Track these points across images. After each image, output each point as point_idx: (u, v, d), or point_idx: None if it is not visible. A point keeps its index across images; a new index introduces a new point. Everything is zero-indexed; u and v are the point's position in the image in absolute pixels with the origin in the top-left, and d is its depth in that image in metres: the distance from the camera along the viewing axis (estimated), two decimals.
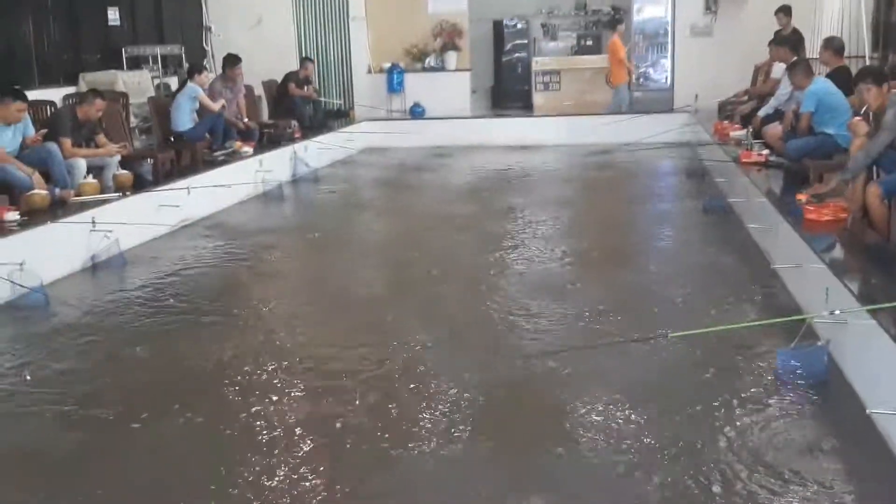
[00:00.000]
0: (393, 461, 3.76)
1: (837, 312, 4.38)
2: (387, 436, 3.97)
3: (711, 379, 4.47)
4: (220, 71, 12.03)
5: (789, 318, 4.90)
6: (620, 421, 4.05)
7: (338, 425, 4.10)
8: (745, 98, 11.89)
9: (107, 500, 3.53)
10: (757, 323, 5.18)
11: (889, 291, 4.45)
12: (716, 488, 3.42)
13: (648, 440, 3.85)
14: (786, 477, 3.49)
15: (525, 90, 16.88)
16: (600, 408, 4.18)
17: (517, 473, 3.64)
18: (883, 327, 3.92)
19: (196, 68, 10.89)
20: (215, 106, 10.66)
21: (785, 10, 11.33)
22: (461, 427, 4.04)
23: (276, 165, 11.06)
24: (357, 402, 4.35)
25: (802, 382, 4.34)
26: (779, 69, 10.48)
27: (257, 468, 3.70)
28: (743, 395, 4.26)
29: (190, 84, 10.50)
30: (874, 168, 6.25)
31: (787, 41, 10.33)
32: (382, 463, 3.74)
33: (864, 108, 7.00)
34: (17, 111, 7.49)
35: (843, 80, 8.32)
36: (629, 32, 16.02)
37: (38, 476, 3.75)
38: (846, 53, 9.09)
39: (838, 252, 5.60)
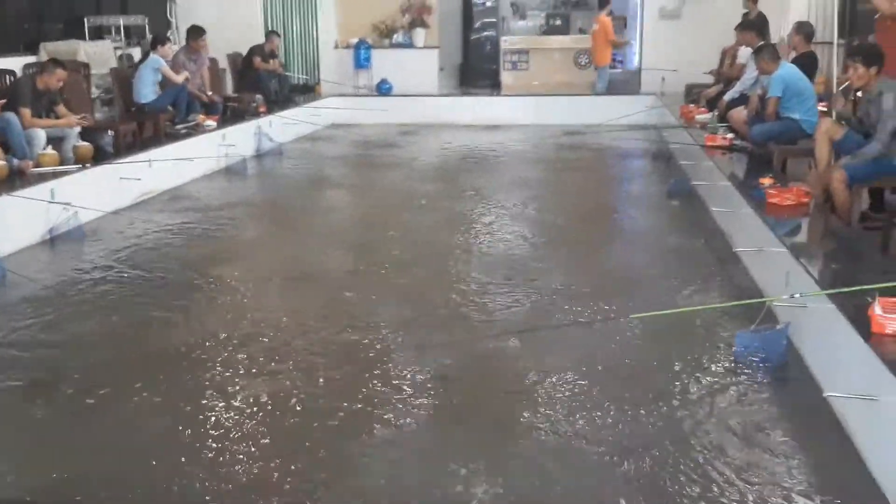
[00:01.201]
0: (353, 441, 3.75)
1: (797, 296, 4.42)
2: (347, 416, 3.97)
3: (672, 360, 4.50)
4: (183, 42, 11.88)
5: (750, 301, 4.96)
6: (580, 401, 4.07)
7: (297, 405, 4.09)
8: (712, 81, 11.95)
9: (62, 477, 3.49)
10: (718, 305, 5.22)
11: (849, 276, 4.51)
12: (672, 468, 3.46)
13: (608, 420, 3.88)
14: (741, 458, 3.54)
15: (493, 69, 16.84)
16: (562, 388, 4.20)
17: (471, 455, 3.64)
18: (841, 311, 3.97)
19: (159, 39, 10.75)
20: (178, 78, 10.53)
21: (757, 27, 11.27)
22: (422, 409, 4.05)
23: (239, 140, 10.96)
24: (319, 382, 4.34)
25: (761, 365, 4.38)
26: (745, 53, 10.53)
27: (215, 447, 3.68)
28: (702, 377, 4.30)
29: (153, 55, 10.37)
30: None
31: (754, 25, 10.38)
32: (342, 443, 3.74)
33: (843, 86, 7.03)
34: None
35: (810, 65, 8.41)
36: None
37: (3, 446, 3.72)
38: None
39: (800, 236, 5.66)
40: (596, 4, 16.00)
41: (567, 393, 4.16)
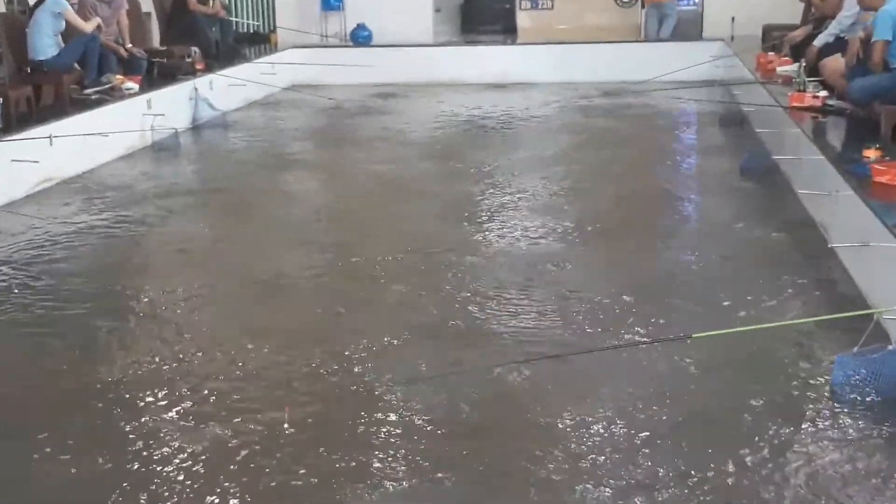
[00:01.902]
0: (327, 500, 3.75)
1: None
2: (316, 474, 3.95)
3: (747, 395, 4.48)
4: None
5: (852, 314, 4.95)
6: (626, 449, 4.07)
7: (250, 459, 4.08)
8: (798, 21, 11.95)
9: None
10: (808, 320, 5.22)
11: None
12: None
13: (663, 475, 3.88)
14: None
15: (506, 9, 16.90)
16: (601, 433, 4.20)
17: None
18: None
19: None
20: (88, 26, 10.53)
21: None
22: (419, 463, 4.03)
23: (170, 107, 11.01)
24: (280, 429, 4.33)
25: (869, 399, 4.37)
26: None
27: None
28: (789, 417, 4.28)
29: None
30: None
31: None
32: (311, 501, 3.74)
33: None
34: None
35: None
36: None
37: None
38: None
39: None
40: None
41: (611, 440, 4.14)
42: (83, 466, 4.04)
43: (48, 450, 4.16)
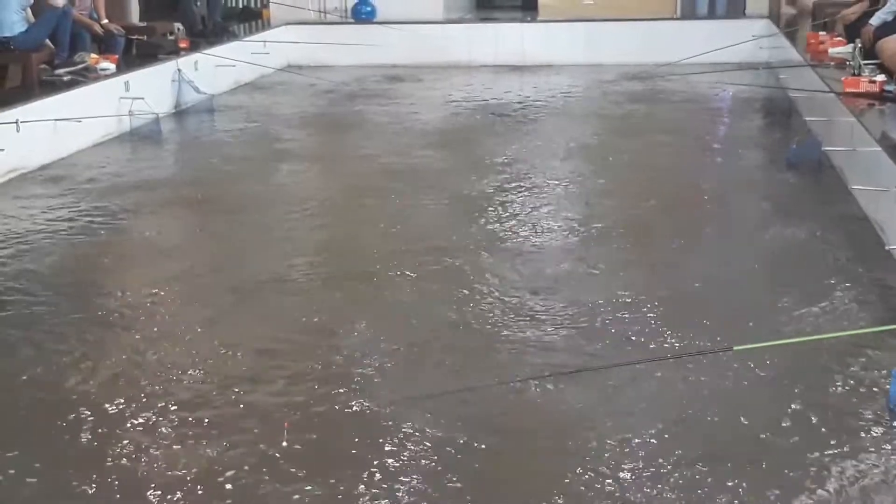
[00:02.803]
0: None
1: None
2: (316, 494, 3.98)
3: (794, 412, 4.50)
4: None
5: None
6: (663, 475, 4.07)
7: (237, 489, 4.10)
8: None
9: None
10: (863, 331, 5.22)
11: None
12: None
13: (704, 499, 3.88)
14: None
15: None
16: (632, 452, 4.20)
17: None
18: None
19: None
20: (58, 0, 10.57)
21: None
22: (429, 487, 4.05)
23: (150, 90, 11.03)
24: (270, 454, 4.33)
25: None
26: None
27: None
28: (843, 438, 4.28)
29: None
30: None
31: None
32: None
33: None
34: None
35: None
36: None
37: None
38: None
39: None
40: None
41: (645, 461, 4.15)
42: (51, 487, 4.06)
43: (11, 471, 4.19)
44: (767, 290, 6.05)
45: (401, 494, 3.97)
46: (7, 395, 4.91)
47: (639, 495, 3.94)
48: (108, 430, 4.49)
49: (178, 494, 3.99)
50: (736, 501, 3.87)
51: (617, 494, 3.95)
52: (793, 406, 4.56)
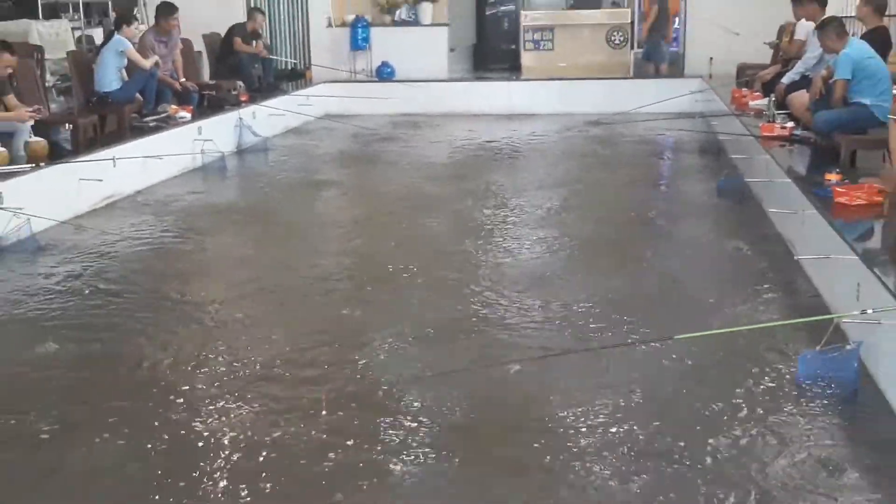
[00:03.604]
0: (349, 488, 3.73)
1: (870, 311, 4.40)
2: (341, 459, 3.95)
3: (722, 389, 4.48)
4: (152, 22, 11.92)
5: (814, 319, 4.93)
6: (617, 440, 4.05)
7: (283, 446, 4.08)
8: (769, 61, 11.92)
9: None
10: (776, 323, 5.21)
11: None
12: None
13: (651, 461, 3.86)
14: (809, 500, 3.51)
15: (512, 49, 16.88)
16: (594, 423, 4.19)
17: (492, 498, 3.64)
18: None
19: (124, 18, 10.79)
20: (146, 63, 10.56)
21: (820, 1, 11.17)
22: (430, 450, 4.02)
23: (218, 134, 11.00)
24: (308, 419, 4.32)
25: (829, 392, 4.36)
26: (804, 29, 10.52)
27: (187, 493, 3.69)
28: (759, 408, 4.27)
29: (117, 36, 10.39)
30: None
31: None
32: (335, 491, 3.71)
33: None
34: None
35: (882, 42, 8.37)
36: None
37: None
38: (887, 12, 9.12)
39: (873, 242, 5.63)
40: None
41: (601, 430, 4.14)
42: (137, 446, 4.06)
43: (106, 435, 4.18)
44: (703, 291, 6.04)
45: (411, 444, 3.97)
46: (104, 373, 4.92)
47: (592, 452, 3.93)
48: (184, 398, 4.50)
49: (241, 447, 4.00)
50: (676, 456, 3.86)
51: (574, 450, 3.95)
52: (721, 382, 4.56)
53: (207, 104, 11.89)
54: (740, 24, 14.14)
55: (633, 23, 15.88)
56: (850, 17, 10.08)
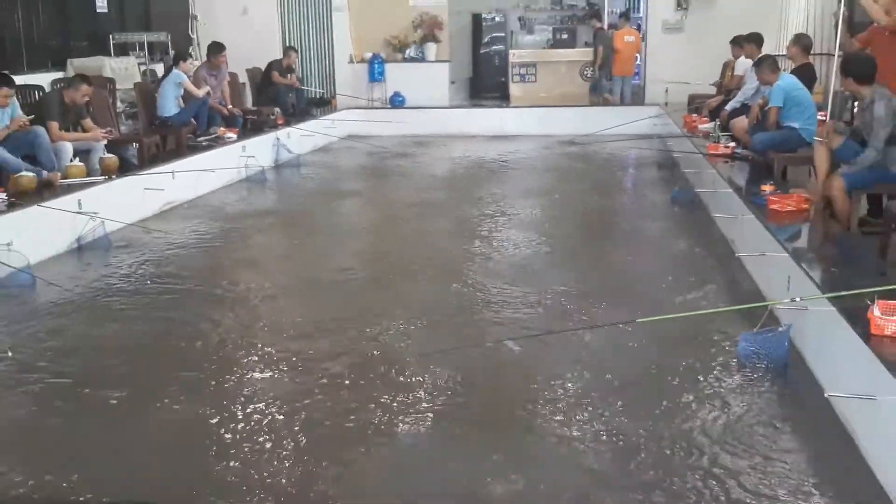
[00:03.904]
0: (373, 441, 3.75)
1: (798, 300, 4.40)
2: (365, 418, 3.96)
3: (677, 362, 4.49)
4: (205, 58, 11.91)
5: (752, 305, 4.94)
6: (589, 402, 4.07)
7: (315, 407, 4.09)
8: (714, 92, 11.92)
9: (92, 475, 3.50)
10: (722, 309, 5.20)
11: (848, 280, 4.48)
12: (676, 465, 3.45)
13: (617, 421, 3.87)
14: (744, 456, 3.53)
15: (502, 82, 16.85)
16: (571, 391, 4.20)
17: (488, 454, 3.64)
18: (842, 314, 3.95)
19: (181, 55, 10.81)
20: (200, 92, 10.57)
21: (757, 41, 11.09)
22: (434, 409, 4.05)
23: (259, 151, 10.99)
24: (336, 385, 4.34)
25: (764, 366, 4.37)
26: (742, 65, 10.56)
27: (234, 447, 3.69)
28: (707, 378, 4.29)
29: (175, 70, 10.39)
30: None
31: (752, 38, 10.36)
32: (360, 444, 3.73)
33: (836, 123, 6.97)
34: (4, 96, 7.40)
35: (808, 76, 8.38)
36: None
37: (21, 448, 3.72)
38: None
39: (801, 241, 5.64)
40: (604, 20, 16.07)
41: (576, 396, 4.15)
42: (189, 413, 4.06)
43: (166, 401, 4.19)
44: (661, 283, 6.03)
45: (420, 407, 3.97)
46: (165, 349, 4.94)
47: (566, 413, 3.94)
48: (230, 369, 4.50)
49: (279, 409, 4.00)
50: (638, 417, 3.87)
51: (552, 412, 3.95)
52: (676, 357, 4.56)
53: (250, 127, 11.88)
54: (690, 60, 14.13)
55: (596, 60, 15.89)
56: (782, 55, 10.06)
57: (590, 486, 3.39)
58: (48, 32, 11.67)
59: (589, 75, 15.62)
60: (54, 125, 7.98)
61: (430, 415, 3.97)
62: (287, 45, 15.21)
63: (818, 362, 4.29)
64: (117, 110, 10.56)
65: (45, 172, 7.46)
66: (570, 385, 4.24)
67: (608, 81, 15.11)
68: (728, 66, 11.78)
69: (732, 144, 8.88)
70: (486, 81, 17.78)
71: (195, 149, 10.07)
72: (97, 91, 9.22)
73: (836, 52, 7.24)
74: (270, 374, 4.47)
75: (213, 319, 5.36)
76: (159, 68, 12.66)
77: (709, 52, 13.22)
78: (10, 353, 4.80)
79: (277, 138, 11.84)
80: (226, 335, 5.06)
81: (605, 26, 15.87)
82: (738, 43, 10.96)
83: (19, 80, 8.35)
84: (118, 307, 5.67)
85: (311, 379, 4.39)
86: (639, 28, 15.33)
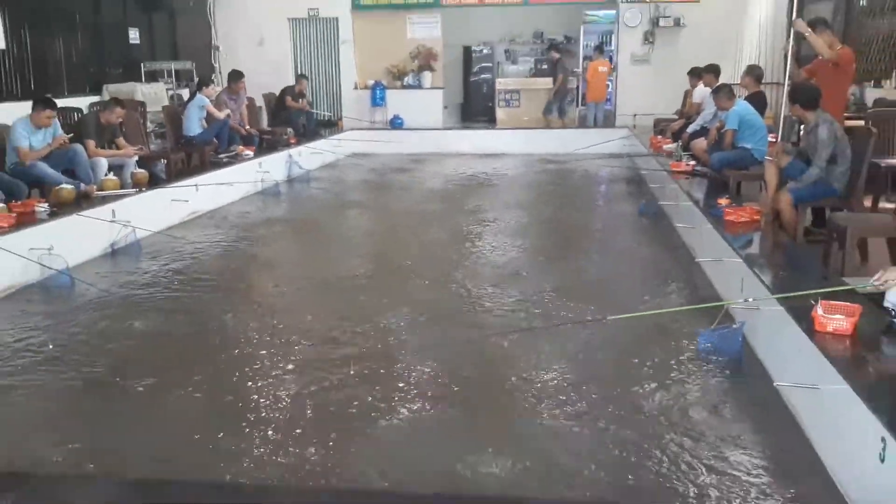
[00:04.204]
0: (377, 423, 3.74)
1: (751, 300, 4.42)
2: (369, 403, 3.96)
3: (643, 354, 4.49)
4: (225, 84, 11.92)
5: (710, 305, 4.94)
6: (566, 389, 4.07)
7: (324, 394, 4.08)
8: (677, 117, 11.96)
9: (119, 453, 3.49)
10: (683, 308, 5.21)
11: (795, 283, 4.50)
12: (645, 443, 3.46)
13: (589, 404, 3.88)
14: (701, 436, 3.54)
15: (489, 106, 16.88)
16: (549, 378, 4.20)
17: (476, 435, 3.65)
18: (789, 313, 3.96)
19: (204, 81, 10.80)
20: (221, 114, 10.57)
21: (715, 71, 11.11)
22: (435, 397, 4.04)
23: (273, 167, 10.98)
24: (343, 374, 4.33)
25: (720, 358, 4.38)
26: (699, 93, 10.62)
27: (251, 426, 3.68)
28: (670, 369, 4.29)
29: (199, 95, 10.41)
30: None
31: (710, 69, 10.41)
32: (365, 426, 3.73)
33: (785, 144, 7.01)
34: (47, 117, 7.41)
35: (760, 102, 8.42)
36: (577, 60, 16.12)
37: (60, 430, 3.71)
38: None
39: (753, 248, 5.64)
40: (579, 52, 16.11)
41: (556, 383, 4.15)
42: (209, 399, 4.05)
43: (190, 388, 4.17)
44: (629, 284, 6.06)
45: (414, 397, 3.97)
46: (187, 342, 4.93)
47: (552, 402, 3.94)
48: (245, 360, 4.49)
49: (289, 395, 4.00)
50: (608, 401, 3.87)
51: (535, 395, 3.95)
52: (642, 349, 4.57)
53: (265, 145, 11.87)
54: (656, 88, 14.19)
55: (577, 87, 15.91)
56: (737, 84, 10.09)
57: (568, 459, 3.39)
58: (86, 61, 11.69)
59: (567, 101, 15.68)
60: (91, 143, 7.97)
61: (424, 401, 3.97)
62: (299, 73, 15.23)
63: (768, 355, 4.30)
64: (147, 130, 10.56)
65: (82, 185, 7.46)
66: (550, 374, 4.24)
67: (555, 107, 15.34)
68: (688, 95, 11.83)
69: (693, 163, 8.90)
70: (475, 106, 17.79)
71: (216, 165, 10.06)
72: (129, 113, 9.22)
73: (785, 82, 7.26)
74: (282, 364, 4.46)
75: (231, 316, 5.35)
76: (185, 93, 12.67)
77: (672, 82, 13.27)
78: (50, 346, 4.79)
79: (290, 156, 11.83)
80: (243, 330, 5.05)
81: (582, 57, 15.90)
82: (696, 74, 11.03)
83: (60, 103, 8.34)
84: (147, 305, 5.65)
85: (318, 369, 4.38)
86: (611, 59, 15.36)
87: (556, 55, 15.61)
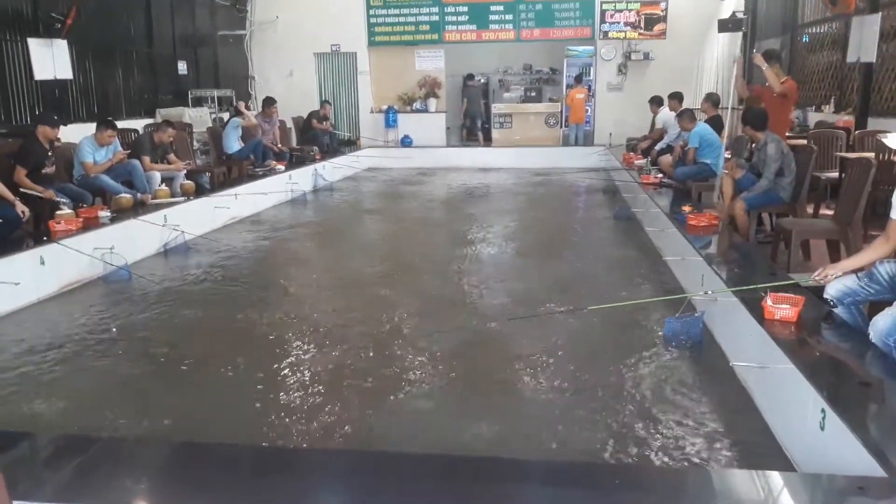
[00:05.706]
0: (391, 397, 3.76)
1: (710, 292, 4.42)
2: (383, 380, 3.98)
3: (617, 339, 4.51)
4: (260, 109, 11.94)
5: (675, 297, 4.95)
6: (553, 368, 4.08)
7: (345, 373, 4.10)
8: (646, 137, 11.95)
9: (165, 421, 3.51)
10: (651, 299, 5.22)
11: (747, 278, 4.51)
12: (620, 414, 3.47)
13: (571, 381, 3.89)
14: (667, 407, 3.54)
15: (486, 128, 16.86)
16: (538, 359, 4.21)
17: (476, 405, 3.66)
18: (742, 303, 3.97)
19: (237, 104, 10.80)
20: (254, 120, 10.68)
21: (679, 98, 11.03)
22: (438, 375, 4.05)
23: (301, 179, 11.00)
24: (361, 356, 4.34)
25: (683, 342, 4.38)
26: (661, 118, 10.59)
27: (284, 400, 3.70)
28: (640, 351, 4.30)
29: (234, 118, 10.41)
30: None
31: (674, 96, 10.40)
32: (381, 399, 3.74)
33: (738, 159, 7.01)
34: (109, 136, 7.44)
35: (717, 124, 8.42)
36: (560, 87, 16.09)
37: (119, 397, 3.73)
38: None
39: (711, 248, 5.64)
40: (562, 82, 16.09)
41: (542, 363, 4.16)
42: (246, 377, 4.06)
43: (230, 367, 4.18)
44: (605, 279, 6.06)
45: (421, 374, 3.98)
46: (228, 328, 4.93)
47: (539, 377, 3.95)
48: (278, 344, 4.51)
49: (313, 373, 4.01)
50: (588, 380, 3.88)
51: (526, 376, 3.96)
52: (616, 335, 4.58)
53: (295, 160, 11.89)
54: (629, 112, 14.17)
55: (561, 111, 15.89)
56: (697, 108, 10.09)
57: (551, 426, 3.40)
58: (142, 89, 11.71)
59: (553, 123, 15.65)
60: (146, 159, 7.99)
61: (432, 378, 3.98)
62: (323, 99, 15.22)
63: (724, 339, 4.31)
64: (194, 148, 10.56)
65: (139, 194, 7.48)
66: (538, 356, 4.25)
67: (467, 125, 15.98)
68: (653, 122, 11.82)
69: (660, 176, 8.90)
70: (474, 128, 17.73)
71: (253, 177, 10.07)
72: (179, 133, 9.23)
73: (738, 107, 7.28)
74: (308, 347, 4.48)
75: (266, 306, 5.37)
76: (226, 116, 12.68)
77: (642, 107, 13.16)
78: (113, 329, 4.82)
79: (315, 170, 11.84)
80: (276, 318, 5.07)
81: (565, 86, 15.87)
82: (656, 101, 10.95)
83: (120, 124, 8.37)
84: (194, 296, 5.67)
85: (339, 352, 4.40)
86: (589, 88, 15.34)
87: (469, 81, 16.26)
